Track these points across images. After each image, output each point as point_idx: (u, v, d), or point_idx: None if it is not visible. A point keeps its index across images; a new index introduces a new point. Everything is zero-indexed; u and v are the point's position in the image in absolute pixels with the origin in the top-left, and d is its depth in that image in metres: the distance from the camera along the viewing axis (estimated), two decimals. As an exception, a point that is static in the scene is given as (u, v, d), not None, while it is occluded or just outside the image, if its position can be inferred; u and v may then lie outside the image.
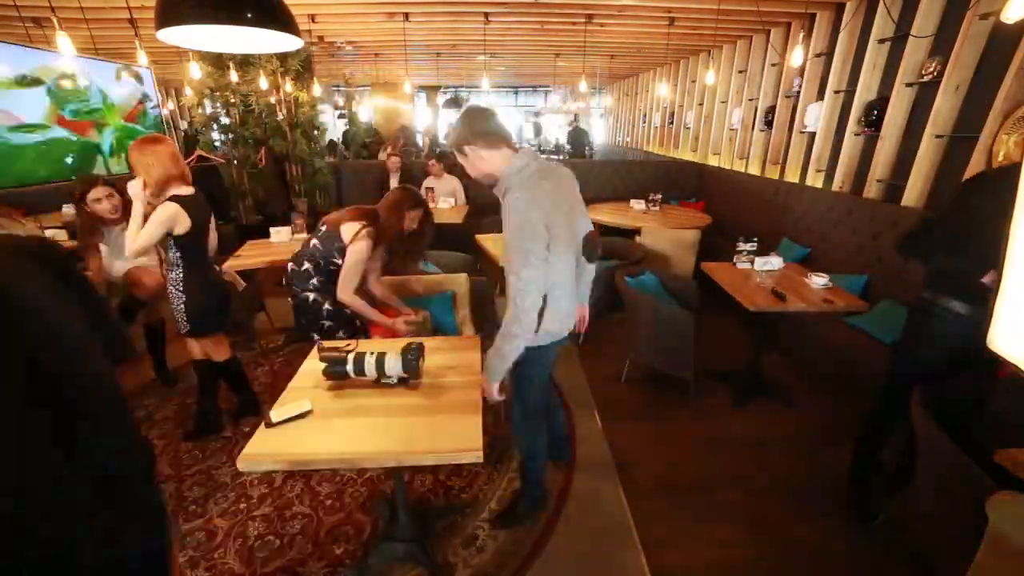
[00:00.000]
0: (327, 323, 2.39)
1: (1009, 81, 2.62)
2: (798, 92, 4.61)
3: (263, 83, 5.25)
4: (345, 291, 2.28)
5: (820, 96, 4.34)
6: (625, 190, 6.11)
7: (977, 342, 1.33)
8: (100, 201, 2.64)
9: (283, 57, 5.52)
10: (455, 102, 12.63)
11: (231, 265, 3.22)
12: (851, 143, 3.90)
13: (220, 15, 1.63)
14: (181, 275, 2.26)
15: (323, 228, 2.35)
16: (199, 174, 4.69)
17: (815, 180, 4.36)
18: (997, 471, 1.36)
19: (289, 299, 2.49)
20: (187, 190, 2.22)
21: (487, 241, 3.76)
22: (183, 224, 2.15)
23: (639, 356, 3.06)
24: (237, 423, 2.71)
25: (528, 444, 1.96)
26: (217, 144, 6.01)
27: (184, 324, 2.33)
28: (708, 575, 1.88)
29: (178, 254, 2.24)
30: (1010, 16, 2.21)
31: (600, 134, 13.47)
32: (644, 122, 9.59)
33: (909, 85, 3.36)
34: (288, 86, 5.74)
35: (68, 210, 4.42)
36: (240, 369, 2.72)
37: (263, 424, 1.47)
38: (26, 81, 4.57)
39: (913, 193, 3.29)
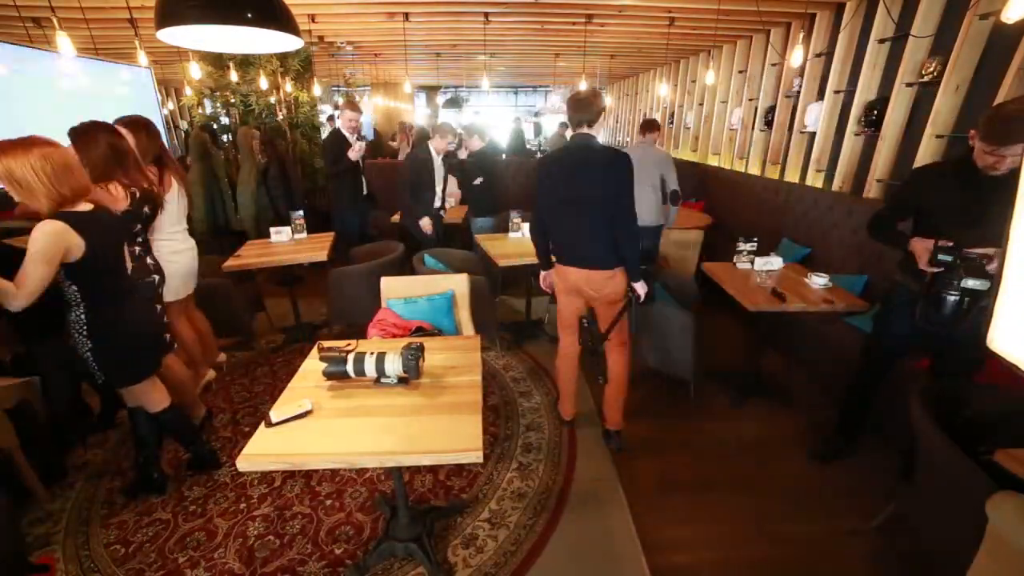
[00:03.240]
0: None
1: (1009, 81, 2.62)
2: (798, 92, 4.61)
3: (263, 83, 5.26)
4: None
5: (820, 96, 4.34)
6: (625, 190, 6.10)
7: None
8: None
9: (283, 57, 5.53)
10: (455, 102, 12.62)
11: (229, 265, 3.22)
12: (851, 143, 3.90)
13: (220, 15, 1.63)
14: (83, 316, 1.84)
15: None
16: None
17: (815, 180, 4.36)
18: (997, 471, 1.36)
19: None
20: (84, 205, 1.80)
21: (487, 242, 3.76)
22: (74, 248, 1.70)
23: (639, 356, 3.06)
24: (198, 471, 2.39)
25: None
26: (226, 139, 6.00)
27: (98, 374, 1.95)
28: (708, 575, 1.88)
29: (75, 288, 1.79)
30: (1010, 16, 2.22)
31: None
32: (644, 122, 9.58)
33: (909, 85, 3.36)
34: (288, 86, 5.75)
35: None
36: (181, 422, 2.31)
37: (263, 424, 1.47)
38: None
39: (913, 193, 3.28)
